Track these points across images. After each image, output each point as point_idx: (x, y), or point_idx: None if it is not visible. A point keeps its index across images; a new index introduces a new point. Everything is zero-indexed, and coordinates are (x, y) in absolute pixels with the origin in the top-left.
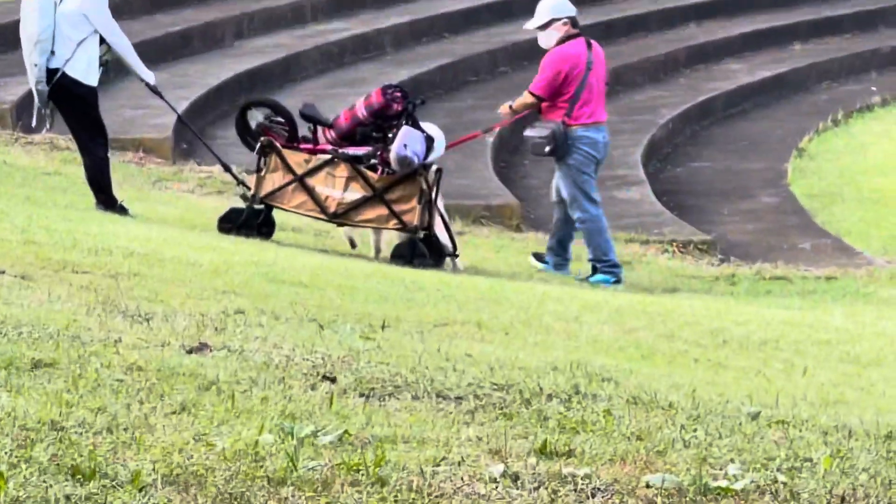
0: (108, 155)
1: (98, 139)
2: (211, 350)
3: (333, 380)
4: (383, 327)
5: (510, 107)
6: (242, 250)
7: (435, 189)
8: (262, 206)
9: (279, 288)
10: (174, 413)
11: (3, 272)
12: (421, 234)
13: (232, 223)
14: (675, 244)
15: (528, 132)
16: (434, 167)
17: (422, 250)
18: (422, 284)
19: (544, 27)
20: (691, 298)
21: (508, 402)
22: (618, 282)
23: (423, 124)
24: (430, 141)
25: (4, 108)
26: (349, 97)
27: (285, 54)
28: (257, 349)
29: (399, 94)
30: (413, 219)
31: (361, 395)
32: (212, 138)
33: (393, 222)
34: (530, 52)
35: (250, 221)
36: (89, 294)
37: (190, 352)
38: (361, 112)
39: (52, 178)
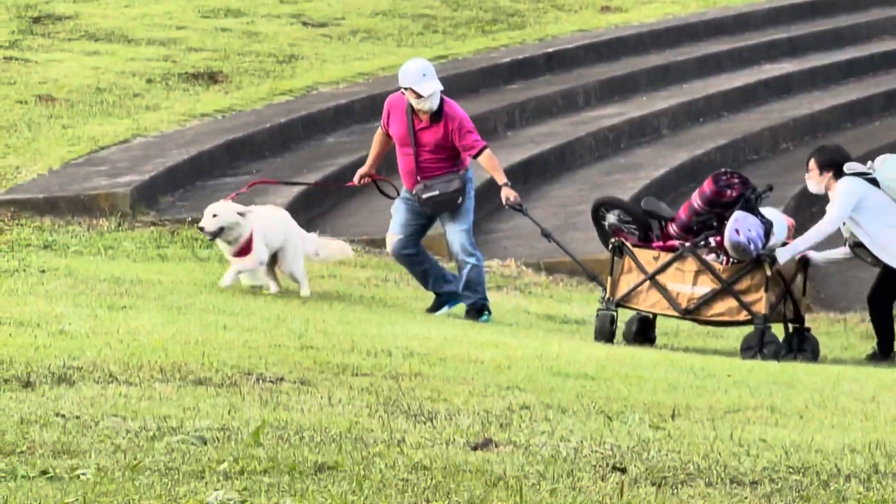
0: None
1: None
2: (497, 446)
3: (623, 470)
4: (673, 416)
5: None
6: (525, 345)
7: (799, 278)
8: (646, 316)
9: (564, 381)
10: None
11: (282, 379)
12: (773, 326)
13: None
14: None
15: (431, 193)
16: (797, 256)
17: (770, 338)
18: (711, 371)
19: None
20: None
21: (805, 484)
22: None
23: (764, 209)
24: (768, 226)
25: None
26: (627, 183)
27: (559, 142)
28: (544, 443)
29: (736, 181)
30: (761, 308)
31: (653, 483)
32: (487, 232)
33: (743, 314)
34: (811, 128)
35: (611, 327)
36: (370, 396)
37: (475, 448)
38: (696, 202)
39: (326, 280)
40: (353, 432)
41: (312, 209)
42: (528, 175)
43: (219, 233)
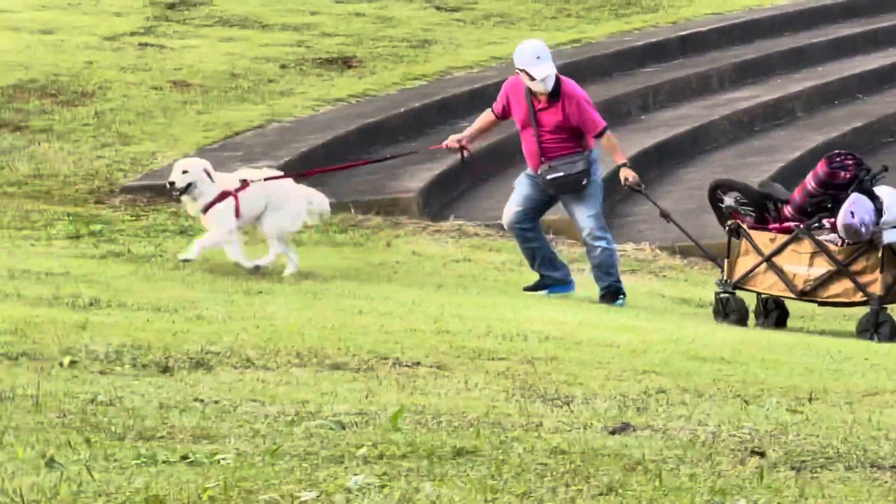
0: None
1: None
2: (634, 430)
3: (763, 454)
4: (811, 399)
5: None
6: (660, 329)
7: None
8: (767, 298)
9: (700, 365)
10: (601, 494)
11: (419, 363)
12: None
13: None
14: None
15: (555, 174)
16: None
17: (885, 319)
18: (848, 354)
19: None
20: None
21: None
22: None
23: (878, 188)
24: (880, 204)
25: (411, 197)
26: (762, 166)
27: (693, 125)
28: (682, 427)
29: (850, 162)
30: (877, 290)
31: (792, 468)
32: (621, 216)
33: (859, 295)
34: None
35: (731, 308)
36: (507, 380)
37: (613, 432)
38: (810, 184)
39: (461, 265)
40: (491, 417)
41: (447, 193)
42: (661, 158)
43: (186, 188)
